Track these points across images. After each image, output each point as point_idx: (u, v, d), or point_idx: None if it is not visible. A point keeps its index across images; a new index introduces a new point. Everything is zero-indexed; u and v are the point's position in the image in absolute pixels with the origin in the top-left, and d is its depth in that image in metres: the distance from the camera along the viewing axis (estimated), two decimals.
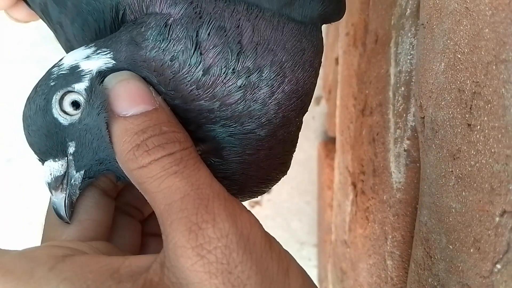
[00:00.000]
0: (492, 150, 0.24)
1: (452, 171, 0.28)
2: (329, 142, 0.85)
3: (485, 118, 0.24)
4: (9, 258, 0.22)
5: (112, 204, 0.29)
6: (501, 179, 0.23)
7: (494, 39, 0.23)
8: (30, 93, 0.27)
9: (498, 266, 0.23)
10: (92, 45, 0.27)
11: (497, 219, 0.23)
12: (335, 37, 0.73)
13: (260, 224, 0.24)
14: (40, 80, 0.27)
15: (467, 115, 0.26)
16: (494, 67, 0.23)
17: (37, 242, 0.28)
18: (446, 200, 0.29)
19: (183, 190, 0.23)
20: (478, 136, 0.25)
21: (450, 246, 0.28)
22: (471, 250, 0.26)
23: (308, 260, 0.96)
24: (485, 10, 0.24)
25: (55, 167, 0.26)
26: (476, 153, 0.25)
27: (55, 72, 0.26)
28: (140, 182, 0.24)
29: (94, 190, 0.28)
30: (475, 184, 0.25)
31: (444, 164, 0.29)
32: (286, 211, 0.94)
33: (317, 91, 0.89)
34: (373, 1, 0.49)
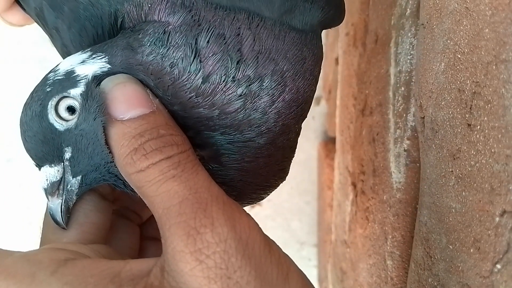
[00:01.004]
0: (492, 150, 0.24)
1: (452, 171, 0.28)
2: (329, 142, 0.85)
3: (485, 118, 0.24)
4: (12, 261, 0.22)
5: (110, 207, 0.29)
6: (501, 179, 0.23)
7: (494, 39, 0.23)
8: (27, 99, 0.27)
9: (498, 266, 0.23)
10: (88, 50, 0.27)
11: (497, 219, 0.23)
12: (335, 37, 0.73)
13: (260, 227, 0.23)
14: (36, 86, 0.27)
15: (467, 115, 0.26)
16: (494, 67, 0.23)
17: (37, 242, 0.28)
18: (446, 200, 0.29)
19: (182, 194, 0.22)
20: (478, 136, 0.25)
21: (450, 246, 0.28)
22: (471, 250, 0.26)
23: (308, 260, 0.96)
24: (485, 10, 0.24)
25: (51, 172, 0.26)
26: (476, 153, 0.25)
27: (51, 78, 0.26)
28: (138, 186, 0.24)
29: (92, 193, 0.28)
30: (475, 184, 0.25)
31: (444, 164, 0.29)
32: (286, 211, 0.94)
33: (317, 91, 0.88)
34: (373, 1, 0.49)
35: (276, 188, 0.30)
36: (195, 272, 0.21)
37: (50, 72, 0.27)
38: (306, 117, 0.29)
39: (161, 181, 0.23)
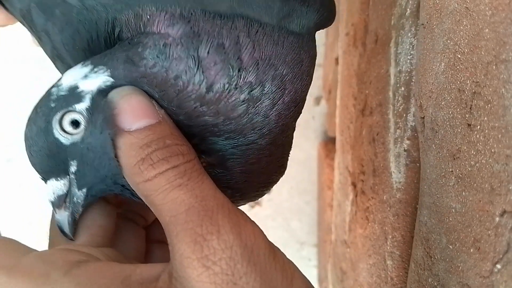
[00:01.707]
0: (492, 150, 0.24)
1: (452, 171, 0.28)
2: (329, 142, 0.85)
3: (485, 118, 0.24)
4: (28, 260, 0.23)
5: (115, 210, 0.30)
6: (501, 179, 0.23)
7: (494, 39, 0.23)
8: (31, 114, 0.27)
9: (498, 266, 0.23)
10: (89, 62, 0.27)
11: (497, 219, 0.23)
12: (335, 37, 0.74)
13: (264, 234, 0.24)
14: (39, 101, 0.27)
15: (467, 115, 0.27)
16: (494, 67, 0.23)
17: (37, 242, 0.28)
18: (446, 200, 0.29)
19: (188, 202, 0.23)
20: (478, 136, 0.25)
21: (450, 246, 0.28)
22: (471, 250, 0.26)
23: (308, 260, 0.96)
24: (485, 10, 0.24)
25: (58, 186, 0.27)
26: (476, 153, 0.25)
27: (54, 93, 0.26)
28: (146, 195, 0.24)
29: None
30: (475, 184, 0.26)
31: (444, 164, 0.29)
32: (286, 211, 0.94)
33: (317, 91, 0.89)
34: (373, 1, 0.49)
35: (276, 183, 0.31)
36: (202, 278, 0.22)
37: (53, 87, 0.27)
38: (301, 113, 0.29)
39: (168, 190, 0.23)
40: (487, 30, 0.24)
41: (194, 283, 0.22)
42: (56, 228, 0.28)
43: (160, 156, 0.24)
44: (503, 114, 0.23)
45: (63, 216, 0.27)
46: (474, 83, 0.26)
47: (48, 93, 0.27)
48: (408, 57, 0.38)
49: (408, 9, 0.38)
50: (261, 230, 0.24)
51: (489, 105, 0.24)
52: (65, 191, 0.27)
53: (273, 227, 0.93)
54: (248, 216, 0.24)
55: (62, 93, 0.26)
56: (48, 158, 0.26)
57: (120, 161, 0.25)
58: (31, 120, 0.27)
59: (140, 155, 0.24)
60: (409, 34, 0.38)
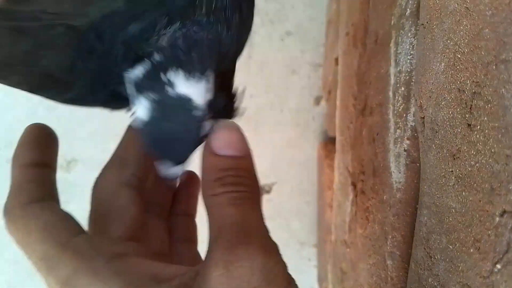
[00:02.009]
0: (492, 150, 0.24)
1: (452, 171, 0.28)
2: (329, 142, 0.85)
3: (485, 118, 0.24)
4: (79, 240, 0.27)
5: (143, 201, 0.33)
6: (501, 179, 0.23)
7: (494, 39, 0.23)
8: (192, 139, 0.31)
9: (498, 266, 0.23)
10: (198, 74, 0.30)
11: (497, 219, 0.23)
12: (335, 37, 0.73)
13: (286, 267, 0.27)
14: (186, 122, 0.31)
15: (467, 115, 0.27)
16: (494, 67, 0.23)
17: None
18: (446, 200, 0.29)
19: (235, 218, 0.27)
20: (478, 136, 0.25)
21: (450, 246, 0.28)
22: (471, 250, 0.26)
23: (308, 261, 0.96)
24: (485, 10, 0.24)
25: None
26: (476, 153, 0.25)
27: (199, 116, 0.31)
28: (209, 206, 0.28)
29: (128, 189, 0.32)
30: (475, 184, 0.26)
31: (444, 164, 0.29)
32: (286, 211, 0.94)
33: (317, 91, 0.89)
34: (373, 1, 0.49)
35: None
36: (221, 279, 0.24)
37: (195, 113, 0.31)
38: None
39: (225, 205, 0.27)
40: (487, 30, 0.24)
41: (212, 282, 0.25)
42: (98, 218, 0.32)
43: (231, 181, 0.28)
44: (503, 114, 0.23)
45: (178, 170, 0.33)
46: (474, 83, 0.26)
47: (195, 118, 0.31)
48: (408, 57, 0.38)
49: (408, 9, 0.38)
50: (284, 262, 0.27)
51: (489, 105, 0.24)
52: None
53: (273, 227, 0.93)
54: (279, 250, 0.27)
55: (201, 112, 0.31)
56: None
57: (201, 172, 0.30)
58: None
59: (217, 175, 0.29)
60: (409, 34, 0.38)
